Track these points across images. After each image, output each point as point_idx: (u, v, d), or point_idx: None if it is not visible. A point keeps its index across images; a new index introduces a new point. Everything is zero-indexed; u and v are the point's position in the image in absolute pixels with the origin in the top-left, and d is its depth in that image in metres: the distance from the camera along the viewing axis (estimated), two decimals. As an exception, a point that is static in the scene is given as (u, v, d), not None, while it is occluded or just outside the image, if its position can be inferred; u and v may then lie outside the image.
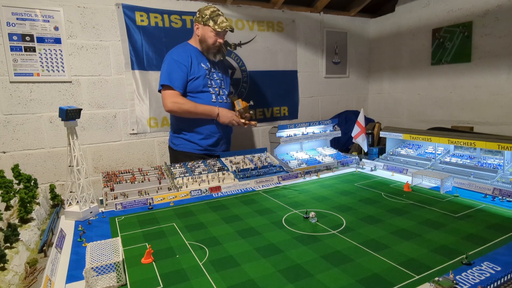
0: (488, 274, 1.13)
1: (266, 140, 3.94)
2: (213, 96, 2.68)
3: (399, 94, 4.38)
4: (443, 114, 3.85)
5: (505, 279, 1.06)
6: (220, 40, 2.62)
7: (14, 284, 1.10)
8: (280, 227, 1.62)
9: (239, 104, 2.66)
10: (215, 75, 2.72)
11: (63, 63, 2.86)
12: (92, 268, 1.12)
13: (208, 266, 1.27)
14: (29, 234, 1.44)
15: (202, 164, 2.48)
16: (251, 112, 2.74)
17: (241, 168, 2.48)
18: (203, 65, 2.65)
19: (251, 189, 2.27)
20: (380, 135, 2.92)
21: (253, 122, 2.64)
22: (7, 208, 1.70)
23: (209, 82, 2.66)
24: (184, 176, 2.30)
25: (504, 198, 1.85)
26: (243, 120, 2.59)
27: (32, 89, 2.79)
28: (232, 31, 2.63)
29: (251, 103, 2.69)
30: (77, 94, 2.96)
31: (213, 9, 2.59)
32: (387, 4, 4.41)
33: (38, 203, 1.76)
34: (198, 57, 2.65)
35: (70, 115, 1.72)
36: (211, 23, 2.55)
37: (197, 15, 2.63)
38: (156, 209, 1.94)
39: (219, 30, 2.54)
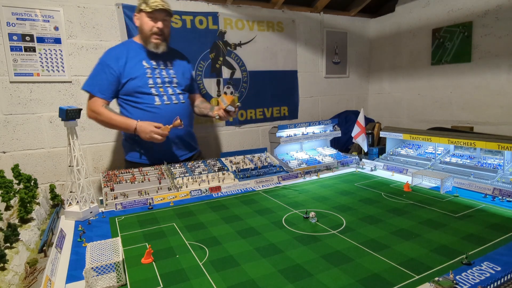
0: (488, 274, 1.13)
1: (266, 140, 3.93)
2: (156, 98, 2.36)
3: (399, 94, 4.38)
4: (443, 114, 3.85)
5: (505, 279, 1.06)
6: (158, 25, 2.30)
7: (14, 284, 1.10)
8: (280, 227, 1.62)
9: (224, 100, 2.34)
10: (163, 73, 2.42)
11: (63, 63, 2.86)
12: (92, 268, 1.12)
13: (208, 266, 1.27)
14: (29, 234, 1.44)
15: (202, 164, 2.48)
16: (238, 104, 2.37)
17: (241, 168, 2.48)
18: (144, 64, 2.36)
19: (251, 189, 2.27)
20: (380, 135, 2.92)
21: (177, 123, 2.22)
22: (7, 208, 1.70)
23: (150, 82, 2.35)
24: (184, 176, 2.30)
25: (504, 198, 1.85)
26: (168, 128, 2.20)
27: (32, 89, 2.79)
28: (167, 12, 2.31)
29: (236, 94, 2.38)
30: (77, 94, 2.96)
31: None
32: (387, 4, 4.41)
33: (38, 203, 1.76)
34: (139, 55, 2.37)
35: (70, 115, 1.72)
36: (143, 6, 2.27)
37: (137, 6, 2.36)
38: (156, 209, 1.94)
39: (149, 10, 2.24)
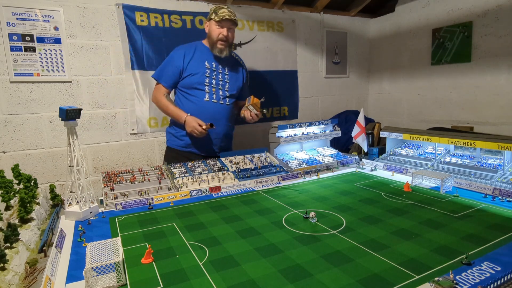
0: (488, 274, 1.13)
1: (266, 140, 3.93)
2: (207, 95, 2.64)
3: (399, 94, 4.38)
4: (443, 114, 3.85)
5: (505, 279, 1.06)
6: (224, 32, 2.57)
7: (14, 284, 1.10)
8: (280, 227, 1.62)
9: (249, 99, 2.61)
10: (220, 76, 2.69)
11: (63, 63, 2.86)
12: (92, 268, 1.12)
13: (208, 266, 1.27)
14: (29, 234, 1.44)
15: (202, 164, 2.48)
16: (264, 111, 2.66)
17: (241, 168, 2.48)
18: (206, 64, 2.64)
19: (251, 189, 2.27)
20: (380, 135, 2.92)
21: (204, 126, 2.45)
22: (7, 208, 1.70)
23: (206, 81, 2.63)
24: (184, 176, 2.30)
25: (504, 198, 1.85)
26: (204, 127, 2.45)
27: (32, 89, 2.79)
28: (233, 21, 2.57)
29: (262, 99, 2.59)
30: (77, 94, 2.96)
31: (219, 5, 2.63)
32: (387, 4, 4.41)
33: (38, 203, 1.76)
34: (203, 55, 2.66)
35: (70, 115, 1.72)
36: (213, 15, 2.58)
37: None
38: (156, 209, 1.94)
39: (218, 19, 2.54)
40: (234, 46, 3.65)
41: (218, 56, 2.65)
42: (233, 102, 2.80)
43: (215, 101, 2.67)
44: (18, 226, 1.40)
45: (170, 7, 3.29)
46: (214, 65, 2.67)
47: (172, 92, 2.77)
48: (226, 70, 2.73)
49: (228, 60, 2.75)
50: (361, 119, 2.74)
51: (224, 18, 2.53)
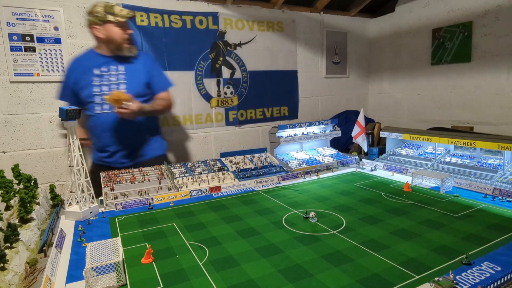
0: (488, 274, 1.13)
1: (266, 140, 3.93)
2: (96, 107, 2.34)
3: (399, 94, 4.38)
4: (443, 114, 3.85)
5: (505, 279, 1.06)
6: (129, 31, 2.35)
7: (14, 284, 1.10)
8: (280, 227, 1.62)
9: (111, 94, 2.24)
10: (113, 78, 2.36)
11: (63, 63, 2.86)
12: (92, 268, 1.12)
13: (208, 266, 1.27)
14: (29, 234, 1.44)
15: (202, 164, 2.48)
16: (129, 103, 2.19)
17: (241, 168, 2.48)
18: (95, 71, 2.34)
19: (251, 189, 2.27)
20: (380, 135, 2.92)
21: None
22: (7, 208, 1.70)
23: (95, 90, 2.33)
24: (184, 176, 2.30)
25: (504, 198, 1.85)
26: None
27: (32, 89, 2.79)
28: (132, 17, 2.35)
29: (120, 97, 2.19)
30: (77, 94, 2.96)
31: (103, 4, 2.30)
32: (387, 4, 4.41)
33: (38, 203, 1.76)
34: (93, 63, 2.36)
35: (70, 115, 1.72)
36: (110, 17, 2.27)
37: (90, 18, 2.33)
38: (156, 209, 1.94)
39: (123, 20, 2.28)
40: (234, 46, 3.65)
41: (111, 56, 2.37)
42: (149, 99, 2.44)
43: (108, 111, 2.33)
44: (18, 226, 1.40)
45: (170, 7, 3.28)
46: (106, 69, 2.36)
47: None
48: (123, 69, 2.40)
49: (124, 59, 2.42)
50: (361, 119, 2.74)
51: (127, 17, 2.30)
